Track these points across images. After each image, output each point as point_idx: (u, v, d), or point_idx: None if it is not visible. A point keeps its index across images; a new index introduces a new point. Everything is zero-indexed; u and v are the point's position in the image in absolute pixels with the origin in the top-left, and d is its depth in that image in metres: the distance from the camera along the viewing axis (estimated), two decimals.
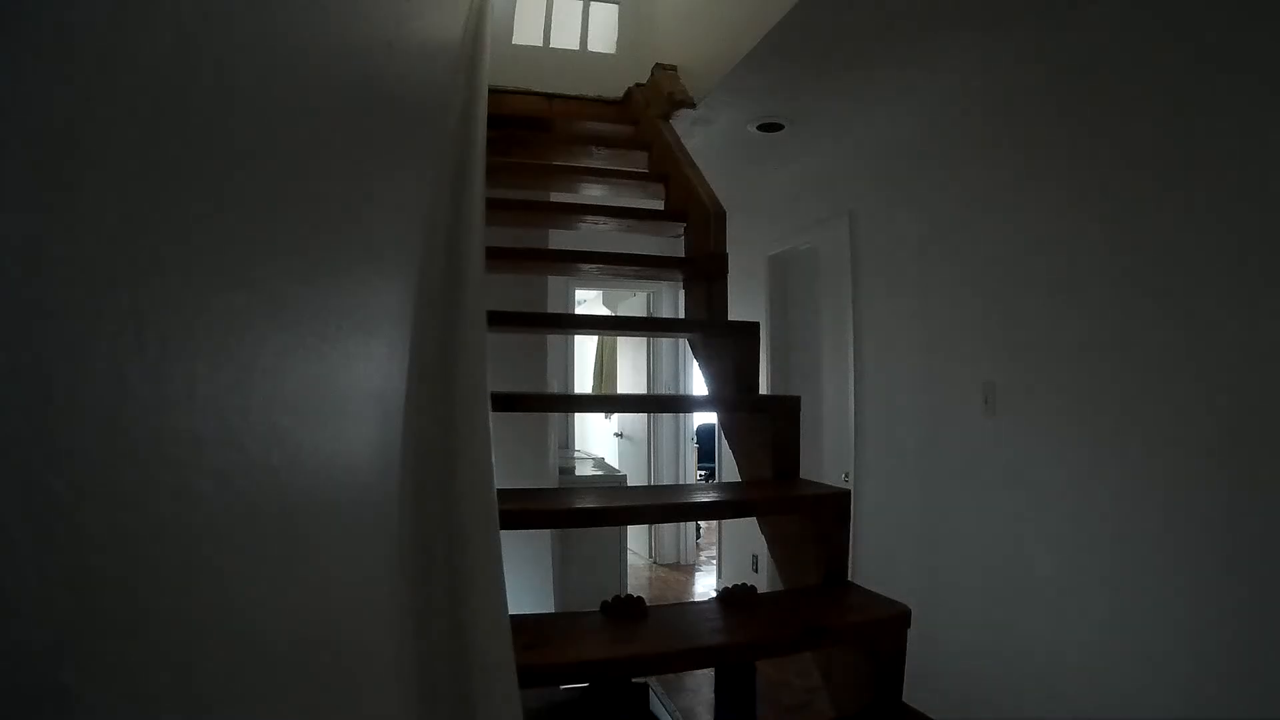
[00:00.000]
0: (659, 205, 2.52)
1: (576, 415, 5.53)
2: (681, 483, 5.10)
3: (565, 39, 3.10)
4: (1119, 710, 1.83)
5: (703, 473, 6.22)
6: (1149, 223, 1.81)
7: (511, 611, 0.67)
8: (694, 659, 1.36)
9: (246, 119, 0.31)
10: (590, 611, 1.38)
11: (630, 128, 2.84)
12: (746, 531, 3.61)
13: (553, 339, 3.46)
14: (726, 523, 4.28)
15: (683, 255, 2.31)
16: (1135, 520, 1.82)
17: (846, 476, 3.08)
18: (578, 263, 2.23)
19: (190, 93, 0.26)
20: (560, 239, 2.69)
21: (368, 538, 0.49)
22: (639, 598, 1.39)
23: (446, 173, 0.98)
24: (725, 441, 2.19)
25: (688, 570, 5.32)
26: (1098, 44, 1.95)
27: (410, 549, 0.58)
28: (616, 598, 1.38)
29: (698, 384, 3.75)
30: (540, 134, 2.77)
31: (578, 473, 3.97)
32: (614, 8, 3.16)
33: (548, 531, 2.65)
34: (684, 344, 4.66)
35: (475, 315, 0.81)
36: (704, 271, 2.15)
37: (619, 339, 6.02)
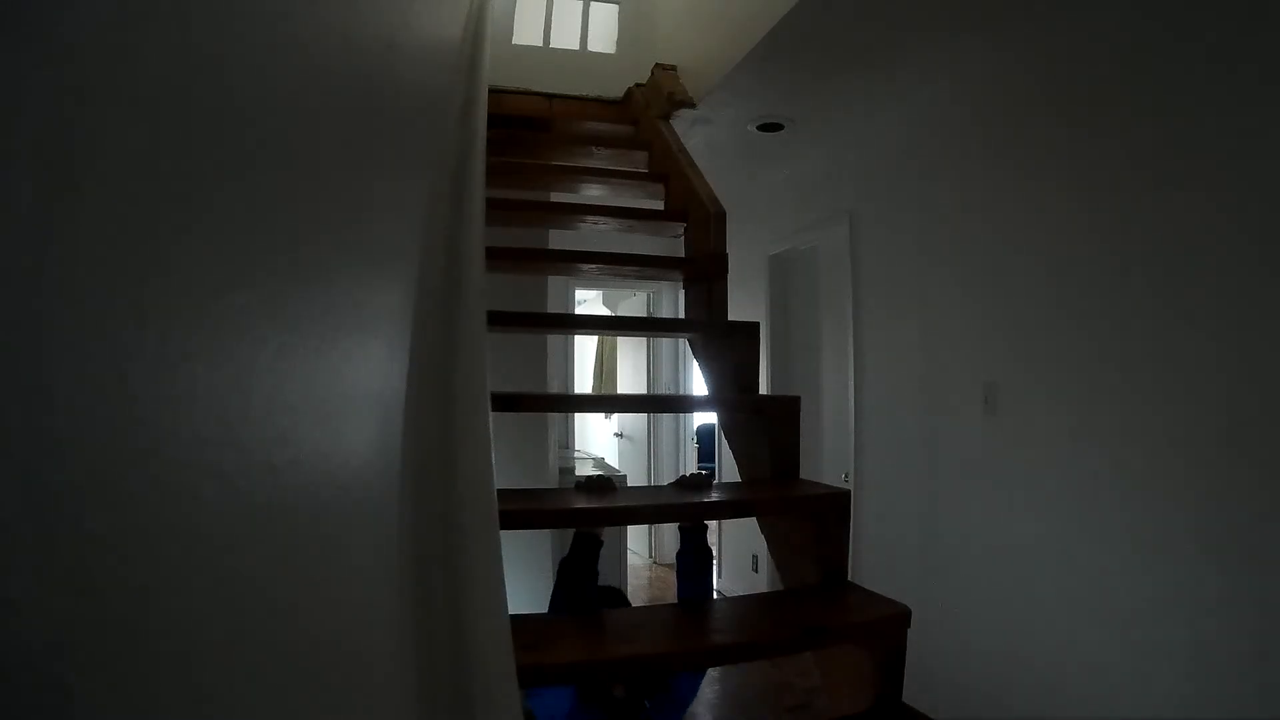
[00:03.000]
0: (659, 205, 2.52)
1: (576, 415, 5.52)
2: None
3: (565, 39, 3.09)
4: (1120, 710, 1.83)
5: (703, 473, 6.21)
6: (1149, 222, 1.81)
7: (511, 611, 0.66)
8: (694, 658, 1.36)
9: (247, 119, 0.31)
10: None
11: (630, 128, 2.83)
12: (746, 531, 3.61)
13: (553, 339, 3.45)
14: (726, 523, 4.27)
15: (683, 255, 2.31)
16: (1135, 519, 1.82)
17: (846, 476, 3.08)
18: (578, 263, 2.23)
19: (190, 93, 0.26)
20: (560, 239, 2.69)
21: (368, 538, 0.49)
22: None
23: (446, 173, 0.98)
24: (725, 441, 2.19)
25: None
26: (1096, 45, 1.95)
27: (410, 549, 0.58)
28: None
29: (698, 384, 3.74)
30: (540, 134, 2.77)
31: (578, 473, 3.96)
32: (614, 8, 3.15)
33: (548, 531, 2.65)
34: (684, 344, 4.65)
35: (475, 315, 0.81)
36: (704, 271, 2.15)
37: (619, 339, 6.02)
